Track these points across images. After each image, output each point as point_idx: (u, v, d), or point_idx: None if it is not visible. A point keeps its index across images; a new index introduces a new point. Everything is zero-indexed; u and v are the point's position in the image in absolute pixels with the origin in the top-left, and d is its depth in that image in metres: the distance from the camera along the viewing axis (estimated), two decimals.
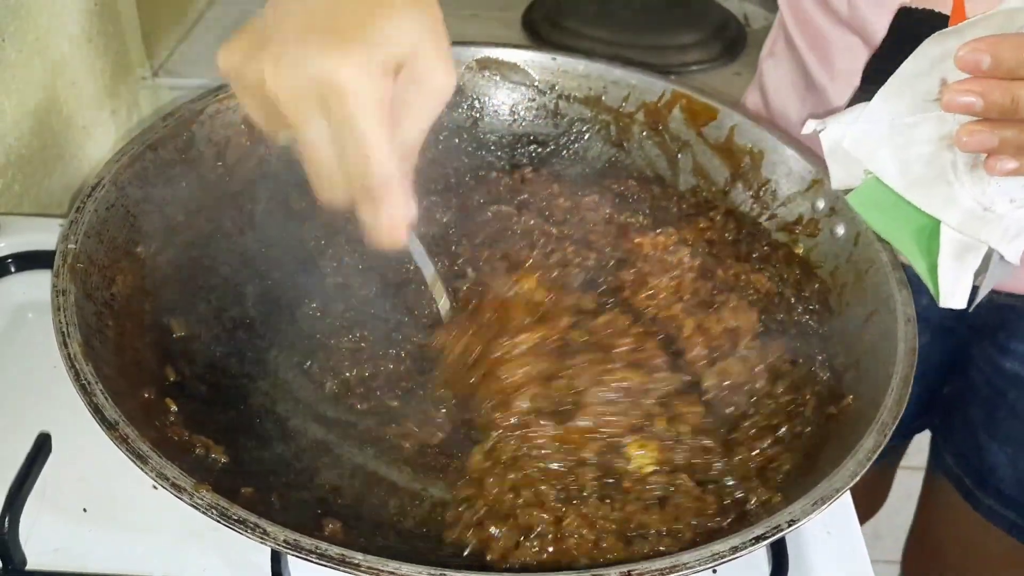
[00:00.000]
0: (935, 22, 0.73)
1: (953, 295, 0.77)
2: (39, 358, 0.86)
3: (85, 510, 0.77)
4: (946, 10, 0.71)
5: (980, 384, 1.07)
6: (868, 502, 1.40)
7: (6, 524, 0.71)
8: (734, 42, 1.71)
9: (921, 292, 0.99)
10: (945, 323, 1.04)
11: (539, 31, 1.69)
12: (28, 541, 0.73)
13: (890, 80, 0.71)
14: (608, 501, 0.70)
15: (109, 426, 0.63)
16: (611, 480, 0.72)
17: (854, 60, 0.94)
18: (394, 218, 0.61)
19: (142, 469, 0.61)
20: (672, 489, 0.72)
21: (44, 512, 0.76)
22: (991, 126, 0.65)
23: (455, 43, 1.01)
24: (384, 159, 0.58)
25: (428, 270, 0.78)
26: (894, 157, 0.73)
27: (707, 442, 0.75)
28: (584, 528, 0.68)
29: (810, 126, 0.79)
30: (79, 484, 0.78)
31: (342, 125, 0.57)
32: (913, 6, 0.82)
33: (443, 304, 0.81)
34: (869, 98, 0.73)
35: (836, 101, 0.98)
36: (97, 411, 0.64)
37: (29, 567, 0.72)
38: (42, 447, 0.77)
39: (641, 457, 0.72)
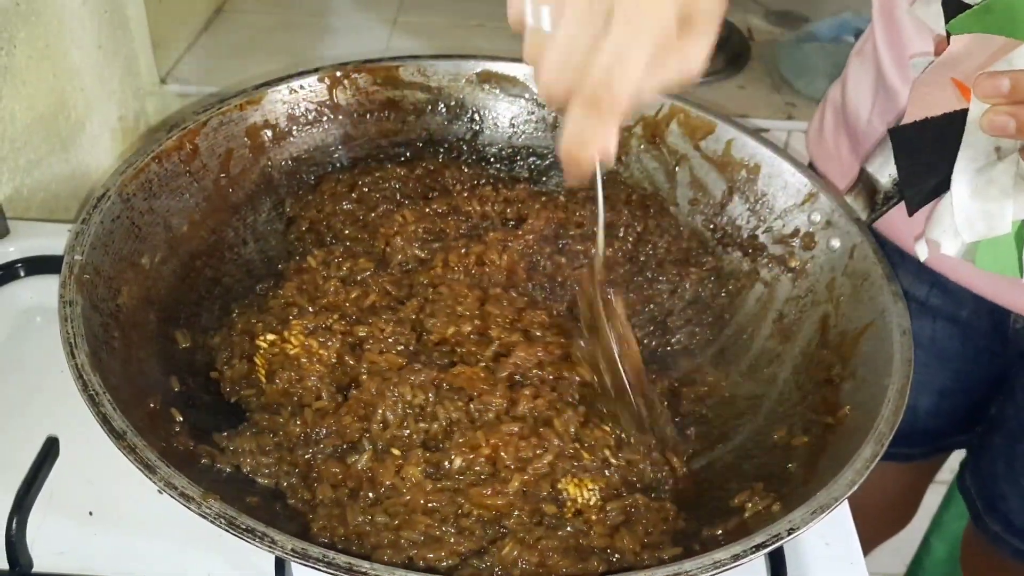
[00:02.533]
0: None
1: None
2: (47, 362, 0.86)
3: (91, 513, 0.77)
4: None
5: (1011, 413, 1.07)
6: (896, 516, 1.40)
7: (13, 527, 0.71)
8: (738, 55, 1.72)
9: (963, 306, 1.01)
10: (992, 346, 1.05)
11: None
12: (34, 544, 0.73)
13: (956, 165, 0.76)
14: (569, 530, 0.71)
15: (117, 436, 0.63)
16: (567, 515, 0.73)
17: None
18: (602, 140, 0.59)
19: (151, 479, 0.61)
20: (632, 509, 0.73)
21: (50, 515, 0.76)
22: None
23: (454, 56, 1.04)
24: (635, 78, 0.57)
25: (601, 211, 0.73)
26: (990, 208, 0.76)
27: (630, 456, 0.76)
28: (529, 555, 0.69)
29: (922, 253, 0.84)
30: (85, 488, 0.79)
31: (623, 22, 0.56)
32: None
33: (599, 253, 0.78)
34: None
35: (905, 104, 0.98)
36: (105, 421, 0.64)
37: (35, 570, 0.73)
38: (49, 451, 0.77)
39: (586, 493, 0.73)
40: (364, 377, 0.79)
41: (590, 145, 0.60)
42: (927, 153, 0.81)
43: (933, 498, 1.41)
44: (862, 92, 1.01)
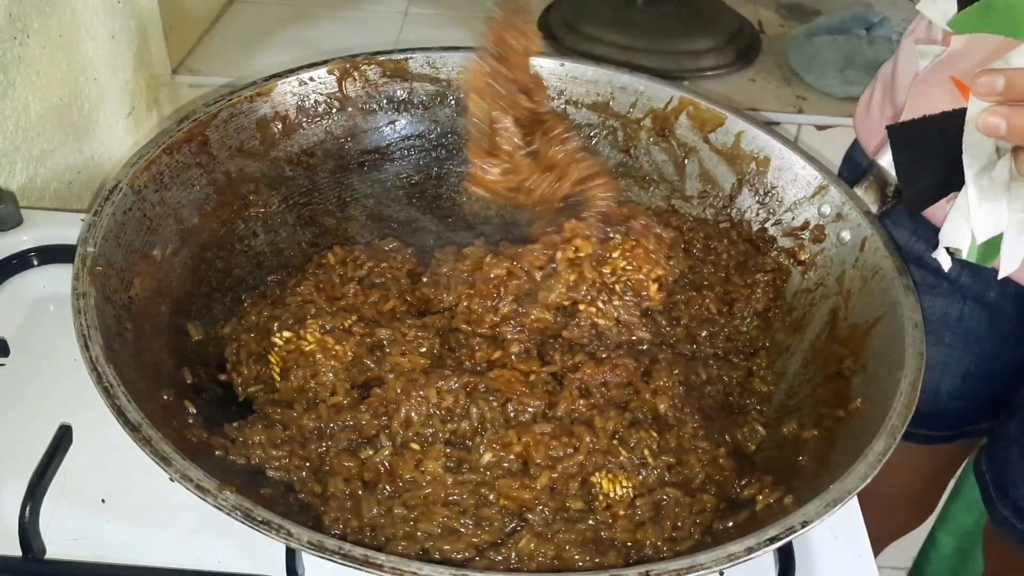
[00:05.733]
0: None
1: (1012, 263, 0.80)
2: (61, 350, 0.87)
3: (103, 501, 0.78)
4: None
5: None
6: (917, 506, 1.40)
7: (27, 514, 0.72)
8: (749, 48, 1.72)
9: (990, 287, 1.02)
10: (1018, 332, 1.05)
11: (555, 35, 1.70)
12: (47, 530, 0.74)
13: (966, 169, 0.75)
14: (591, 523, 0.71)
15: (132, 428, 0.63)
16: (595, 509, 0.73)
17: None
18: None
19: (166, 471, 0.62)
20: (663, 502, 0.73)
21: (63, 502, 0.77)
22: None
23: (462, 48, 1.04)
24: None
25: None
26: (997, 206, 0.77)
27: (669, 459, 0.76)
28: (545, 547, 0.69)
29: (945, 263, 0.84)
30: (98, 475, 0.79)
31: None
32: None
33: None
34: None
35: None
36: (120, 413, 0.64)
37: (48, 556, 0.73)
38: (63, 438, 0.78)
39: (617, 489, 0.74)
40: (390, 377, 0.78)
41: None
42: (925, 151, 0.81)
43: None
44: (912, 71, 1.01)
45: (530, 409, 0.77)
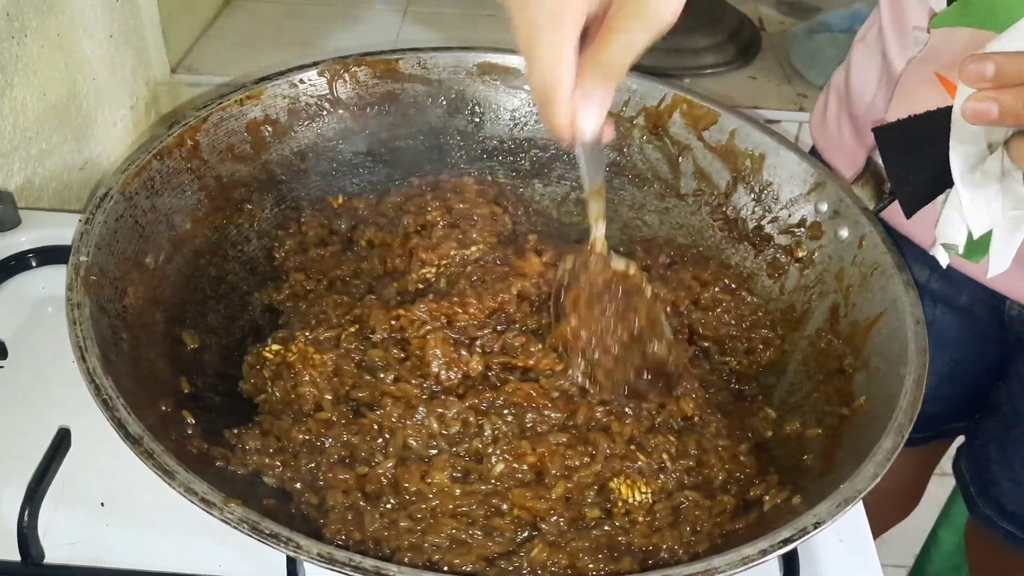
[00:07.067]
0: None
1: (1002, 262, 0.80)
2: (59, 353, 0.84)
3: (102, 505, 0.77)
4: None
5: (1004, 398, 1.08)
6: (898, 504, 1.40)
7: (25, 518, 0.71)
8: (749, 45, 1.72)
9: (962, 291, 1.02)
10: (990, 332, 1.05)
11: None
12: (46, 535, 0.73)
13: (953, 168, 0.74)
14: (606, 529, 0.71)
15: (133, 441, 0.62)
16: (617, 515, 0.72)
17: None
18: (555, 125, 0.64)
19: (170, 484, 0.61)
20: (684, 506, 0.72)
21: (62, 506, 0.76)
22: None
23: (454, 48, 1.03)
24: (546, 67, 0.61)
25: (590, 182, 0.73)
26: (989, 199, 0.76)
27: (688, 462, 0.75)
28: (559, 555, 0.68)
29: (943, 259, 0.83)
30: (97, 479, 0.79)
31: (523, 25, 0.62)
32: None
33: (598, 230, 0.76)
34: None
35: None
36: (120, 426, 0.63)
37: (46, 561, 0.72)
38: (62, 442, 0.77)
39: (636, 495, 0.73)
40: (387, 403, 0.76)
41: (557, 132, 0.66)
42: (913, 150, 0.81)
43: (942, 490, 1.41)
44: (867, 78, 1.01)
45: (551, 420, 0.76)
